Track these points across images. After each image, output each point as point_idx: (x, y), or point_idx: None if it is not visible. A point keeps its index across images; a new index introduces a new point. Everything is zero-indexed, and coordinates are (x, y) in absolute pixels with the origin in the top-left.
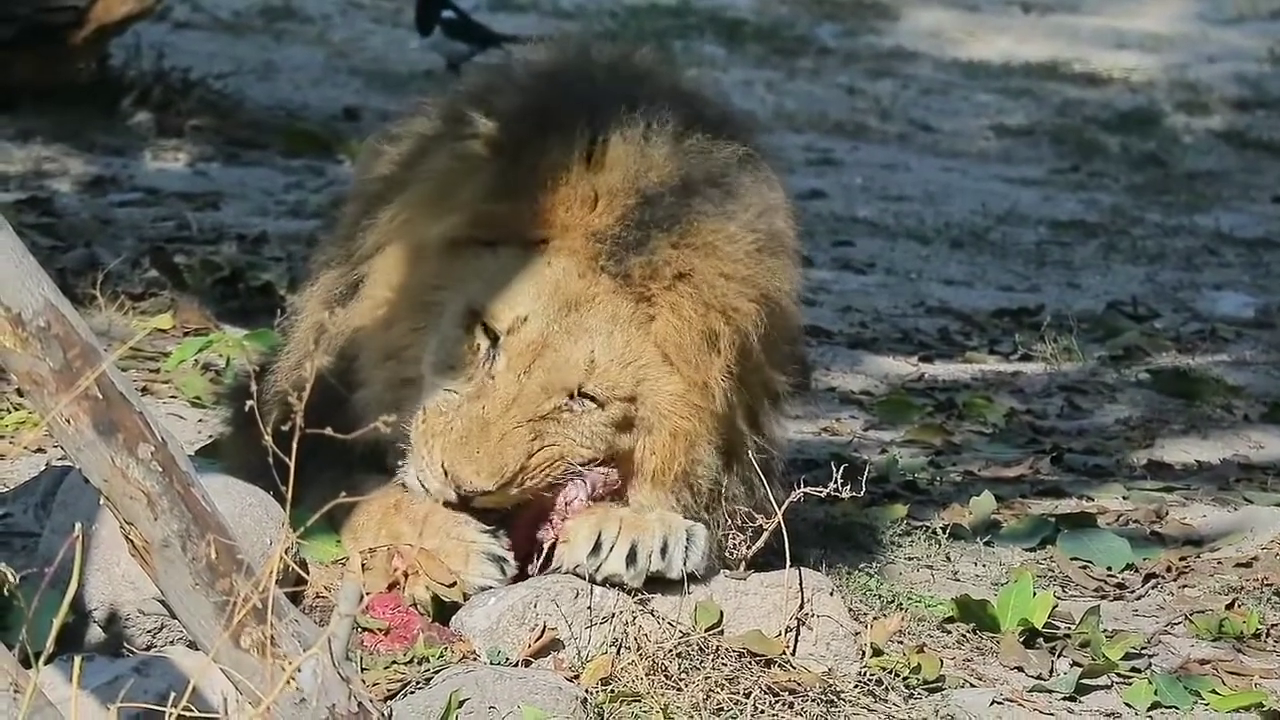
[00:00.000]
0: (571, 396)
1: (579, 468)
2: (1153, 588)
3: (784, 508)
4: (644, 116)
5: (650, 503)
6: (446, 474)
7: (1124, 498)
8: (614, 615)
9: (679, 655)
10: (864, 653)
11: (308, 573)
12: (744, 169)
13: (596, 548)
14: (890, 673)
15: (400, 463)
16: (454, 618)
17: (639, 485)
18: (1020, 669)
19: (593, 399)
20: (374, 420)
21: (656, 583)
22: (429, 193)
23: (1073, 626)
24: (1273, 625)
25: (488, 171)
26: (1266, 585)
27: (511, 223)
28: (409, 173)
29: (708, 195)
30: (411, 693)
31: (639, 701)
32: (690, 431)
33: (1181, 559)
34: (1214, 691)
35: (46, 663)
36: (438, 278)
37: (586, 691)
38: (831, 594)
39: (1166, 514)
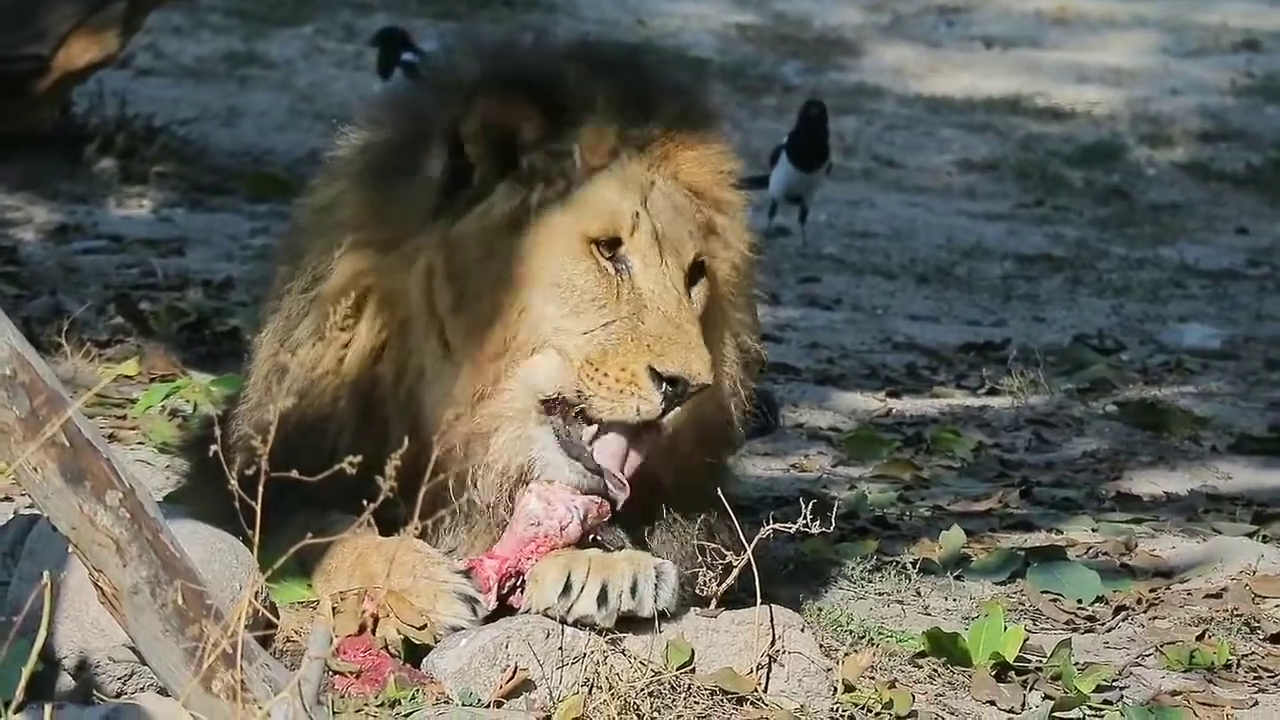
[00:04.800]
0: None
1: (573, 494)
2: (1123, 620)
3: (754, 544)
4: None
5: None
6: (664, 381)
7: (1093, 530)
8: (585, 655)
9: (651, 694)
10: (836, 689)
11: (277, 616)
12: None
13: (566, 589)
14: (862, 709)
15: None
16: (425, 659)
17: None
18: (992, 703)
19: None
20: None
21: (627, 621)
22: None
23: (1044, 659)
24: (1243, 656)
25: (531, 133)
26: (1236, 616)
27: (567, 159)
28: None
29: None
30: None
31: None
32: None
33: (1151, 590)
34: None
35: (16, 711)
36: (508, 253)
37: None
38: (802, 630)
39: (1136, 546)
